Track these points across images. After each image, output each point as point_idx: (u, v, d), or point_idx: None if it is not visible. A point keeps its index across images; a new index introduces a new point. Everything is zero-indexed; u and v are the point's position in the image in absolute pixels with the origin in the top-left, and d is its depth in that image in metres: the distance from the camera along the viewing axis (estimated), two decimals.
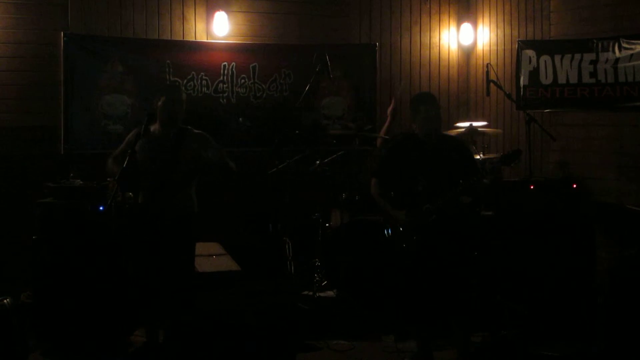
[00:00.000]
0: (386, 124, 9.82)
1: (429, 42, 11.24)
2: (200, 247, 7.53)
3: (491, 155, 9.05)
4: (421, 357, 7.04)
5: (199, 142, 7.06)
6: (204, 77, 10.13)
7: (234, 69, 10.25)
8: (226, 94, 10.24)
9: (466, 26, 11.20)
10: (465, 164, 6.85)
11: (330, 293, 8.83)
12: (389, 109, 9.87)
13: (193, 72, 10.09)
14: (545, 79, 9.60)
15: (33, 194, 8.20)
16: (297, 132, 9.45)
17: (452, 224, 6.84)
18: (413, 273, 6.92)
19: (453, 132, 9.54)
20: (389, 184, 7.13)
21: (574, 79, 9.31)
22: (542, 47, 9.67)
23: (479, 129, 9.35)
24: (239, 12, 10.33)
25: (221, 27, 10.13)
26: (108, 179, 7.73)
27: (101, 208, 7.78)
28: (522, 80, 9.84)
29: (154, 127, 7.02)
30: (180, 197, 7.02)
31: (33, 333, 7.58)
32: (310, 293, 8.78)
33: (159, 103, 6.98)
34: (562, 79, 9.43)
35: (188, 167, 6.94)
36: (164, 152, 6.92)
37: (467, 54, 11.35)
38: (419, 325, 7.05)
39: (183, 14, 10.11)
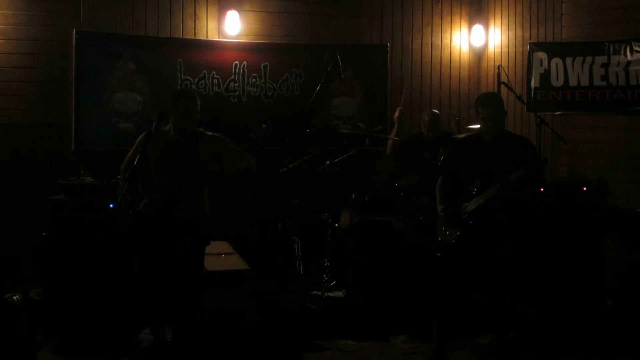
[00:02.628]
0: (394, 129, 9.87)
1: (440, 43, 11.25)
2: (210, 246, 7.54)
3: None
4: (437, 358, 7.06)
5: (214, 145, 7.09)
6: (215, 76, 10.14)
7: (245, 68, 10.26)
8: (237, 93, 10.25)
9: (477, 28, 11.19)
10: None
11: (339, 293, 8.85)
12: (395, 116, 9.94)
13: (204, 71, 10.10)
14: (557, 81, 9.59)
15: (44, 191, 8.23)
16: (307, 131, 9.45)
17: (486, 228, 6.89)
18: (446, 264, 7.05)
19: (463, 134, 9.55)
20: (450, 182, 7.22)
21: (585, 82, 9.29)
22: (554, 49, 9.66)
23: None
24: (251, 11, 10.34)
25: (233, 26, 10.13)
26: (118, 177, 7.74)
27: (111, 205, 7.80)
28: (533, 83, 9.83)
29: (167, 129, 7.04)
30: (195, 201, 7.05)
31: (42, 329, 7.59)
32: (319, 293, 8.79)
33: (176, 110, 7.00)
34: (573, 82, 9.41)
35: (204, 170, 6.97)
36: (179, 156, 6.95)
37: (479, 55, 11.34)
38: (444, 318, 7.06)
39: (195, 12, 10.12)
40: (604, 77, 9.09)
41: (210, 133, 7.20)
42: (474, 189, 6.95)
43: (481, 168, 6.93)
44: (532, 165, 6.58)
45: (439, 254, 7.48)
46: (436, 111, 9.69)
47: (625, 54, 8.82)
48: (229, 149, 7.21)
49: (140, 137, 7.14)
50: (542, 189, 7.96)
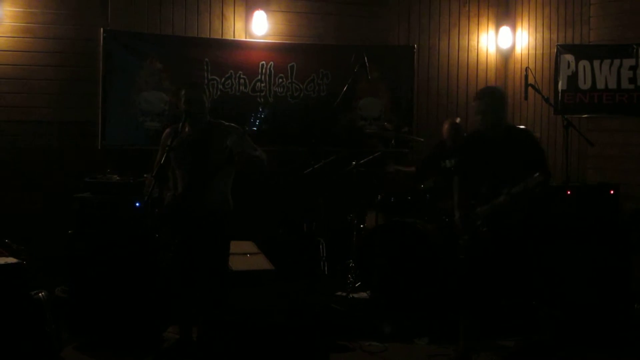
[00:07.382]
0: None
1: (467, 45, 11.21)
2: (235, 246, 7.54)
3: None
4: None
5: (230, 134, 7.06)
6: (242, 76, 10.15)
7: (272, 69, 10.27)
8: (264, 93, 10.25)
9: (505, 30, 11.15)
10: (527, 160, 6.78)
11: (363, 294, 8.83)
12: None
13: (231, 71, 10.11)
14: (584, 84, 9.55)
15: (70, 189, 8.25)
16: (333, 132, 9.44)
17: (502, 232, 6.85)
18: (465, 267, 7.04)
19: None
20: (464, 181, 7.20)
21: (612, 85, 9.26)
22: (581, 51, 9.61)
23: None
24: (278, 11, 10.35)
25: (260, 26, 10.15)
26: (145, 175, 7.77)
27: (137, 204, 7.81)
28: (561, 85, 9.78)
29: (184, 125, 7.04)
30: (215, 195, 7.03)
31: (67, 327, 7.62)
32: (344, 294, 8.78)
33: (182, 101, 7.00)
34: (600, 84, 9.37)
35: (218, 161, 6.95)
36: (192, 149, 6.94)
37: (506, 57, 11.30)
38: (468, 315, 7.03)
39: (222, 12, 10.15)
40: (632, 80, 9.06)
41: (227, 123, 7.16)
42: (484, 189, 6.91)
43: (487, 167, 6.89)
44: (533, 180, 6.52)
45: (461, 257, 7.49)
46: (457, 121, 9.61)
47: None
48: (242, 139, 7.14)
49: (164, 136, 7.15)
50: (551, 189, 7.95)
